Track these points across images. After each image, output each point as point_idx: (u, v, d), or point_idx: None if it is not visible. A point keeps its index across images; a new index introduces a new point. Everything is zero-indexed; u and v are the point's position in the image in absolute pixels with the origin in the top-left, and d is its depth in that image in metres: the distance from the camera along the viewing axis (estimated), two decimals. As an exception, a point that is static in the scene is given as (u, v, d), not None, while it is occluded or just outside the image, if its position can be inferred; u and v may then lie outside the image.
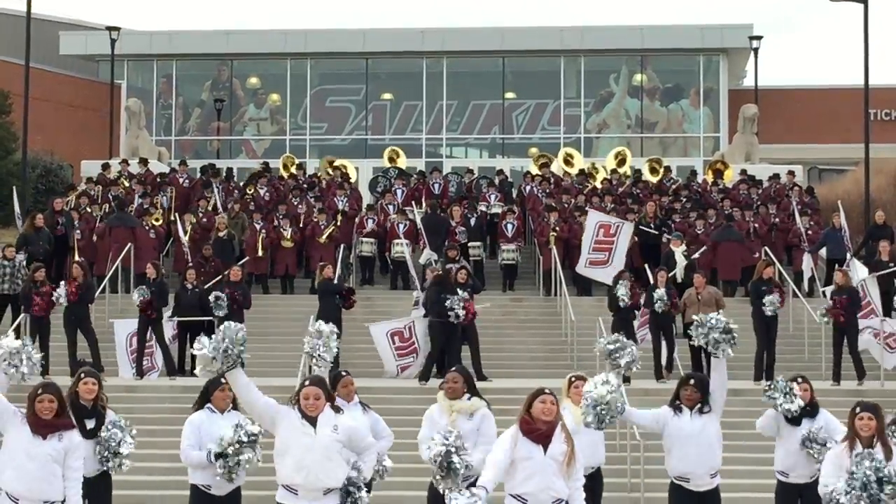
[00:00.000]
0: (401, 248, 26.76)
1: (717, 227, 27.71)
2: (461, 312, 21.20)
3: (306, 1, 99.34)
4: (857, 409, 10.68)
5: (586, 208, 27.50)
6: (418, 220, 27.41)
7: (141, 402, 20.42)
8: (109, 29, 45.51)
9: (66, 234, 27.00)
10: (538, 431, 9.96)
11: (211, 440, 11.27)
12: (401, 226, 27.54)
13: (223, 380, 11.45)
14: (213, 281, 23.59)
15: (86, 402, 11.79)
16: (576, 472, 10.03)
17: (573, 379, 13.03)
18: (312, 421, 10.26)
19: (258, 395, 10.23)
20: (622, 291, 21.98)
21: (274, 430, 10.27)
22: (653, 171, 32.07)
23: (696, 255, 25.85)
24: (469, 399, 11.91)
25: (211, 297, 22.06)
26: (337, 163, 35.05)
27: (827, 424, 12.49)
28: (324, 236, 27.38)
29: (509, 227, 28.25)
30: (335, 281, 23.32)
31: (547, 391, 10.19)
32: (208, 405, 11.58)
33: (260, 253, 27.37)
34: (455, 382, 11.96)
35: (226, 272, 23.26)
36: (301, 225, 28.16)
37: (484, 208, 29.68)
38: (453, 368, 12.70)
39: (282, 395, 14.43)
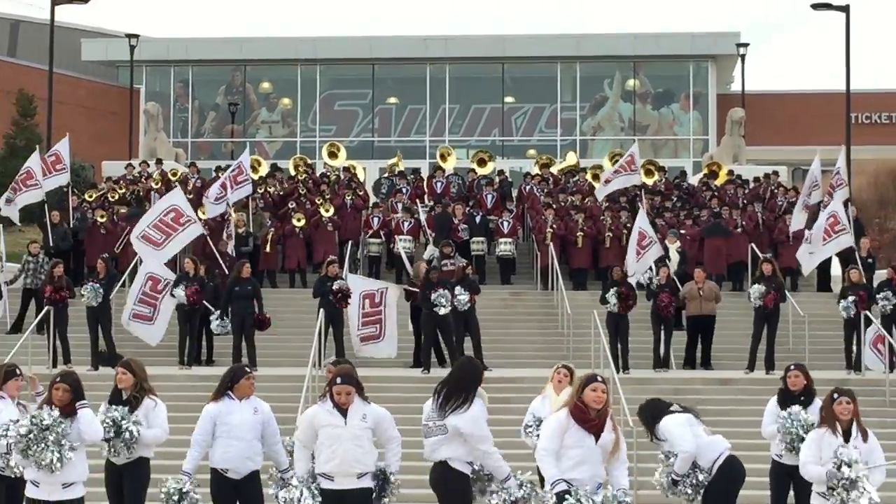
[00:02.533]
0: (404, 244, 26.72)
1: (704, 224, 27.72)
2: (447, 306, 21.14)
3: (316, 10, 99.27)
4: (835, 395, 10.66)
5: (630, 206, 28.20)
6: (423, 218, 27.43)
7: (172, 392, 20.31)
8: (129, 36, 45.64)
9: (78, 230, 26.97)
10: (592, 422, 9.74)
11: (228, 427, 11.19)
12: (405, 223, 27.52)
13: (249, 369, 11.75)
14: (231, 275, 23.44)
15: (122, 390, 11.87)
16: (622, 455, 9.93)
17: (560, 367, 13.10)
18: (343, 412, 10.39)
19: (309, 450, 10.56)
20: (612, 301, 21.98)
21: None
22: (648, 173, 31.99)
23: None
24: None
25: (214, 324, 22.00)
26: (346, 163, 34.96)
27: (818, 412, 12.54)
28: (329, 213, 27.69)
29: (505, 224, 28.27)
30: (343, 276, 23.21)
31: (599, 378, 9.91)
32: (228, 392, 11.38)
33: (268, 249, 27.37)
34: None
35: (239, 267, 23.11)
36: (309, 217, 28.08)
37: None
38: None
39: (291, 383, 14.51)
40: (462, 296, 21.39)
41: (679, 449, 11.30)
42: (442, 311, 21.18)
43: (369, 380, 19.52)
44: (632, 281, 22.97)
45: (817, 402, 12.70)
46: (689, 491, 11.33)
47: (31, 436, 10.47)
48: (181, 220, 22.58)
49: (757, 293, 21.77)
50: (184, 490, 11.08)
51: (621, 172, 26.57)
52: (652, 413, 11.76)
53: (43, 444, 10.41)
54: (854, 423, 10.49)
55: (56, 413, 10.58)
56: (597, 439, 9.70)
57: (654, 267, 23.37)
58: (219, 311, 21.67)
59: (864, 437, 10.44)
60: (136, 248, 23.03)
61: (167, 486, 11.22)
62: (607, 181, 27.83)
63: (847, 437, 10.41)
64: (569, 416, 9.74)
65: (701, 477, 11.30)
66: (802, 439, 11.39)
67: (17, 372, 12.07)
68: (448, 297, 21.16)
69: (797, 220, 26.96)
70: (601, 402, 9.69)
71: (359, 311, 22.35)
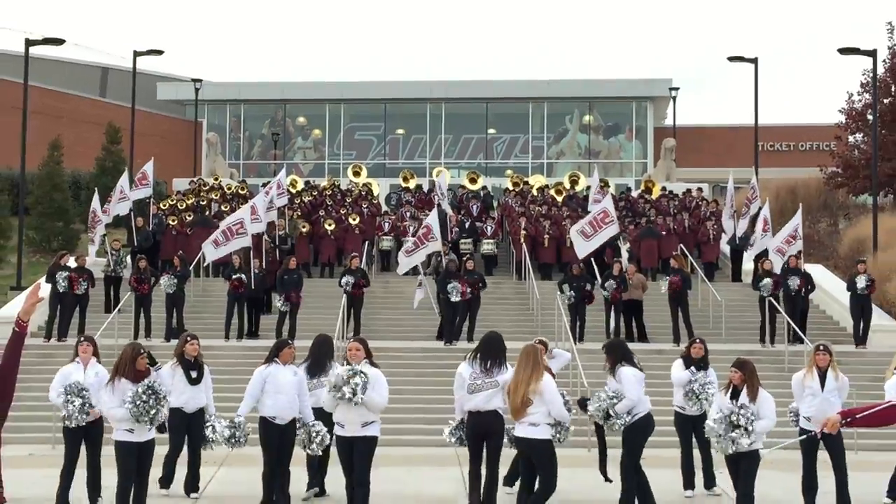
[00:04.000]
0: (408, 245, 26.67)
1: (641, 228, 27.72)
2: (457, 293, 21.28)
3: (341, 60, 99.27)
4: (732, 366, 10.72)
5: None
6: (433, 220, 27.39)
7: (224, 359, 20.32)
8: (194, 80, 45.57)
9: (156, 232, 26.93)
10: None
11: (275, 385, 11.28)
12: (411, 228, 27.51)
13: (290, 342, 11.97)
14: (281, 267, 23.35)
15: (190, 357, 12.09)
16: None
17: (537, 341, 13.10)
18: None
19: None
20: (567, 294, 21.94)
21: None
22: (575, 181, 32.15)
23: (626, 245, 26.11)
24: None
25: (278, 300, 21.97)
26: (366, 180, 34.90)
27: (712, 377, 12.77)
28: (354, 222, 27.63)
29: (488, 228, 28.27)
30: (363, 265, 23.24)
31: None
32: (275, 359, 11.49)
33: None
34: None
35: (287, 261, 23.06)
36: (338, 223, 27.99)
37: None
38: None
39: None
40: (453, 288, 21.46)
41: (629, 396, 11.34)
42: (453, 299, 21.34)
43: (392, 350, 20.00)
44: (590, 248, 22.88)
45: (712, 370, 12.99)
46: (617, 427, 11.44)
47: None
48: (240, 230, 22.65)
49: (665, 283, 21.96)
50: (236, 423, 11.40)
51: (600, 228, 22.75)
52: (623, 355, 11.68)
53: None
54: (745, 385, 10.44)
55: None
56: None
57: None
58: (282, 295, 21.65)
59: (753, 398, 10.38)
60: (204, 248, 23.08)
61: (215, 425, 11.51)
62: (586, 235, 22.77)
63: (735, 395, 10.41)
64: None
65: (628, 419, 11.37)
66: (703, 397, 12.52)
67: (83, 339, 12.16)
68: (458, 288, 21.25)
69: (728, 226, 27.53)
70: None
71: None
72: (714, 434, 10.29)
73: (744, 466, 10.38)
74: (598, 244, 23.02)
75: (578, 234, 22.77)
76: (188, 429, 12.32)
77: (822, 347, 12.07)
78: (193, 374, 12.26)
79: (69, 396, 11.35)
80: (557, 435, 10.54)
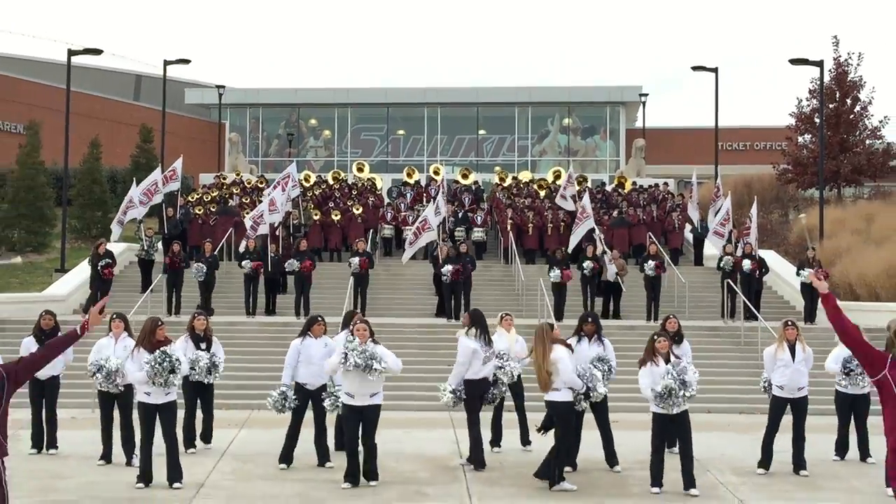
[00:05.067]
0: (408, 234, 26.57)
1: (614, 218, 27.65)
2: (448, 275, 21.16)
3: (348, 68, 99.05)
4: (655, 336, 10.65)
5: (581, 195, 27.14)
6: (430, 213, 27.27)
7: (246, 334, 20.31)
8: (217, 87, 45.39)
9: (183, 221, 26.82)
10: None
11: (308, 356, 11.54)
12: (409, 218, 27.40)
13: (320, 318, 12.00)
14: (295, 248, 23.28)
15: (199, 332, 12.19)
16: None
17: (504, 315, 13.10)
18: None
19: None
20: (554, 274, 21.88)
21: None
22: (580, 182, 32.02)
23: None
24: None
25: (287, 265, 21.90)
26: (369, 175, 34.77)
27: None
28: (357, 212, 27.45)
29: (478, 218, 28.17)
30: (368, 249, 23.22)
31: None
32: (309, 333, 11.71)
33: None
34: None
35: (296, 245, 23.01)
36: (343, 213, 27.91)
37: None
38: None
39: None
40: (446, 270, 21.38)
41: (613, 364, 11.61)
42: (444, 279, 21.27)
43: (397, 325, 19.97)
44: (573, 240, 23.26)
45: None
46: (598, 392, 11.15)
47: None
48: (260, 220, 22.67)
49: (651, 266, 21.86)
50: (284, 392, 11.53)
51: (581, 222, 23.67)
52: (599, 324, 11.88)
53: None
54: (670, 354, 10.45)
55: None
56: None
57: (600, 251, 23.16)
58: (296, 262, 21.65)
59: (667, 360, 10.39)
60: (248, 227, 22.90)
61: (273, 394, 11.62)
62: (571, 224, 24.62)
63: (667, 361, 10.37)
64: None
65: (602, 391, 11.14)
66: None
67: (115, 316, 12.20)
68: (450, 269, 21.16)
69: (694, 216, 27.68)
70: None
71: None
72: (657, 388, 10.30)
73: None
74: (579, 236, 23.45)
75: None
76: (201, 392, 12.74)
77: (790, 323, 11.88)
78: (203, 346, 12.47)
79: (94, 368, 11.65)
80: (578, 398, 10.67)
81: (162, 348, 10.39)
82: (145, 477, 10.50)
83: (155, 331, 10.55)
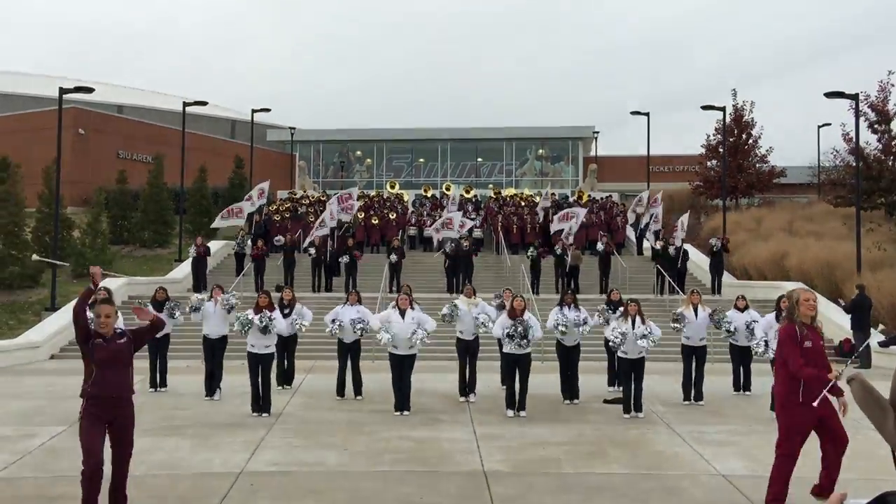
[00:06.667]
0: (429, 234, 26.52)
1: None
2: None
3: (383, 114, 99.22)
4: (629, 301, 10.59)
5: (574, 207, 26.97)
6: (455, 216, 26.98)
7: (311, 304, 20.20)
8: (290, 128, 45.38)
9: (266, 223, 26.82)
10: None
11: (343, 318, 11.27)
12: (428, 221, 27.34)
13: (353, 289, 11.66)
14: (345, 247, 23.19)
15: (285, 301, 12.11)
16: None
17: (505, 289, 13.08)
18: (402, 313, 10.38)
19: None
20: (531, 252, 21.80)
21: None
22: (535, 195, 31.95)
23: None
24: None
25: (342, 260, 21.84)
26: (397, 190, 34.66)
27: (755, 316, 12.18)
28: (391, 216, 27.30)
29: (477, 222, 27.98)
30: (399, 244, 23.19)
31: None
32: (347, 302, 11.58)
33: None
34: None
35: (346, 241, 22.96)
36: (380, 218, 27.84)
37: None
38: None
39: (371, 300, 14.60)
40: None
41: (589, 322, 11.53)
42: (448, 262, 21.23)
43: (420, 299, 19.63)
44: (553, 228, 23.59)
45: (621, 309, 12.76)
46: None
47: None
48: (322, 223, 22.66)
49: (602, 245, 21.87)
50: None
51: (564, 221, 24.05)
52: (576, 297, 11.82)
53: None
54: (637, 314, 10.35)
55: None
56: None
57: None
58: (347, 255, 21.64)
59: (643, 321, 10.34)
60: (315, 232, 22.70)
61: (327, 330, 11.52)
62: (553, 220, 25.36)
63: (634, 324, 10.31)
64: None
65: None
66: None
67: (216, 286, 12.21)
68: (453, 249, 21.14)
69: (630, 218, 27.75)
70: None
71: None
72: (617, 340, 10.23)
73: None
74: (562, 229, 23.82)
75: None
76: (289, 344, 12.54)
77: (695, 291, 11.97)
78: (287, 311, 11.89)
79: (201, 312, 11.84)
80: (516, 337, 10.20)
81: (265, 313, 10.37)
82: (257, 405, 10.28)
83: (258, 301, 10.54)
